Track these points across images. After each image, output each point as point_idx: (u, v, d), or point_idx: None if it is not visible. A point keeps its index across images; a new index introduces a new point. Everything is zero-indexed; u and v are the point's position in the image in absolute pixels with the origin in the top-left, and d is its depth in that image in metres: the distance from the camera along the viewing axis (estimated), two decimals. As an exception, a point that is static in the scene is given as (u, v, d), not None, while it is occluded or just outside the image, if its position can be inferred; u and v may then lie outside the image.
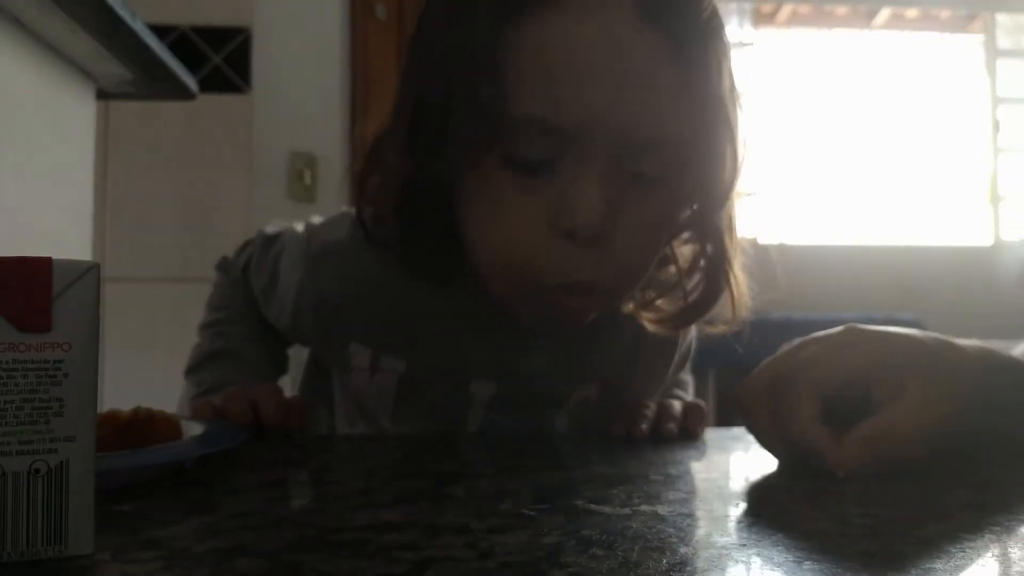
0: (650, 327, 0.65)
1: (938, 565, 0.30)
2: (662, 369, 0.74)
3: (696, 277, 0.64)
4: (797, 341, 0.52)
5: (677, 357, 0.76)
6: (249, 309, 0.78)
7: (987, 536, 0.34)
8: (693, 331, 0.76)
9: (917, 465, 0.45)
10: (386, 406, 0.68)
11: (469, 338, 0.66)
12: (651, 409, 0.65)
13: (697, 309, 0.64)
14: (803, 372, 0.47)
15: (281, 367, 0.81)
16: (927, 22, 3.29)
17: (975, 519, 0.36)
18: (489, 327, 0.65)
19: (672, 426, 0.63)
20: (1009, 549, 0.33)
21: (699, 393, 0.87)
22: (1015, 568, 0.31)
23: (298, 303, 0.69)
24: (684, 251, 0.65)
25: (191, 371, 0.76)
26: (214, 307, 0.80)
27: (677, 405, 0.66)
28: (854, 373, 0.47)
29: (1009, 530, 0.35)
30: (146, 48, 1.08)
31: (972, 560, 0.31)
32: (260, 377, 0.74)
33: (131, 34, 1.02)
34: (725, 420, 0.66)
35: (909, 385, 0.45)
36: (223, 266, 0.82)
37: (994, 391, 0.47)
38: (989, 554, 0.32)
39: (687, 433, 0.63)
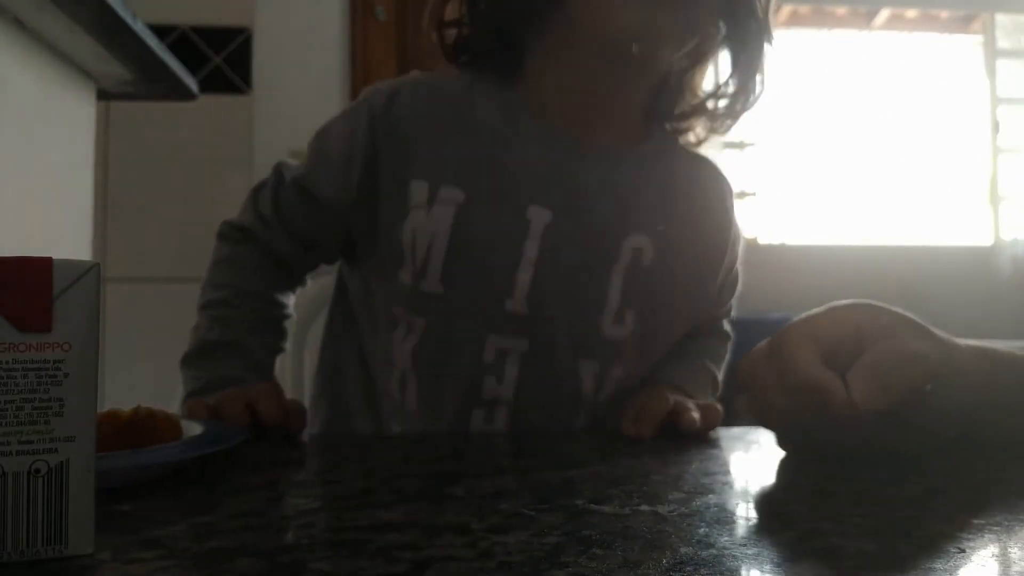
0: (701, 134, 0.78)
1: (938, 565, 0.30)
2: (713, 257, 0.77)
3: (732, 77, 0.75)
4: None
5: (723, 271, 0.78)
6: (254, 288, 0.75)
7: (987, 536, 0.34)
8: (740, 256, 0.81)
9: (922, 396, 0.45)
10: (440, 253, 0.67)
11: (526, 155, 0.69)
12: (665, 405, 0.65)
13: (739, 100, 0.76)
14: (796, 329, 0.48)
15: (278, 351, 0.78)
16: (927, 23, 3.29)
17: (975, 519, 0.36)
18: (546, 142, 0.70)
19: (693, 415, 0.63)
20: (1009, 549, 0.33)
21: None
22: (1015, 568, 0.31)
23: (353, 152, 0.70)
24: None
25: (188, 360, 0.73)
26: (214, 285, 0.75)
27: (691, 406, 0.65)
28: (845, 327, 0.47)
29: (1009, 530, 0.35)
30: (146, 48, 1.08)
31: (972, 560, 0.31)
32: (260, 371, 0.73)
33: (131, 34, 1.02)
34: (725, 420, 0.66)
35: (900, 333, 0.46)
36: (226, 233, 0.78)
37: (997, 389, 0.48)
38: (989, 554, 0.32)
39: (700, 434, 0.63)
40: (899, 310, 0.49)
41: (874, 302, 0.49)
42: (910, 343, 0.45)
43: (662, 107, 0.77)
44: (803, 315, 0.50)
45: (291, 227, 0.75)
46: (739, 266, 0.81)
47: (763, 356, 0.50)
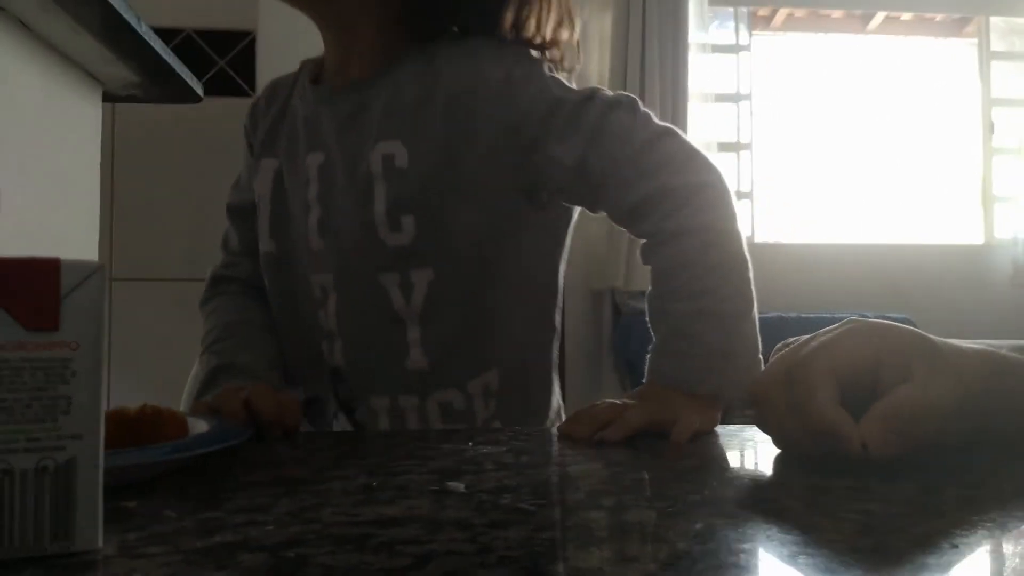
0: (508, 24, 0.77)
1: (932, 561, 0.30)
2: (494, 133, 0.73)
3: None
4: (795, 339, 0.52)
5: (527, 135, 0.73)
6: (234, 317, 0.83)
7: (980, 532, 0.34)
8: (569, 101, 0.73)
9: (933, 440, 0.45)
10: (266, 215, 0.81)
11: (305, 115, 0.80)
12: (600, 412, 0.62)
13: None
14: (816, 359, 0.48)
15: (276, 364, 0.81)
16: (922, 26, 3.29)
17: (969, 515, 0.37)
18: (320, 97, 0.79)
19: (609, 433, 0.59)
20: (1002, 545, 0.33)
21: None
22: (1008, 564, 0.32)
23: (245, 159, 0.89)
24: None
25: (197, 398, 0.76)
26: (206, 331, 0.83)
27: (636, 418, 0.61)
28: (865, 359, 0.47)
29: (1002, 526, 0.35)
30: (152, 51, 1.08)
31: (965, 556, 0.31)
32: (256, 379, 0.74)
33: (137, 37, 1.03)
34: (721, 417, 0.66)
35: (916, 368, 0.46)
36: (207, 287, 0.88)
37: (1003, 386, 0.48)
38: (982, 550, 0.32)
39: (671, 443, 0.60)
40: (911, 330, 0.49)
41: (889, 323, 0.49)
42: (926, 390, 0.46)
43: (423, 27, 0.79)
44: (823, 339, 0.49)
45: (241, 247, 0.87)
46: (583, 107, 0.74)
47: (779, 382, 0.50)
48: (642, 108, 0.75)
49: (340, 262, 0.77)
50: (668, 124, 0.74)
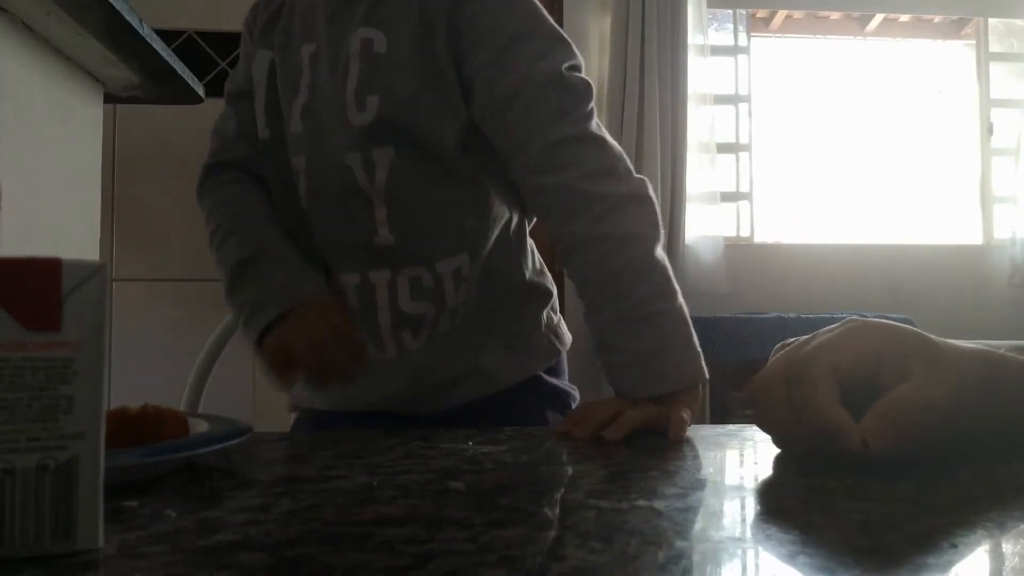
0: None
1: (931, 560, 0.31)
2: (432, 29, 0.76)
3: None
4: (795, 339, 0.52)
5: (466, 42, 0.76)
6: (242, 209, 0.86)
7: (979, 531, 0.34)
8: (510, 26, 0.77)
9: (933, 437, 0.46)
10: (261, 103, 0.84)
11: (303, 11, 0.83)
12: (602, 412, 0.64)
13: None
14: (816, 358, 0.48)
15: (298, 251, 0.84)
16: (920, 27, 3.30)
17: (968, 514, 0.37)
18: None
19: (609, 433, 0.61)
20: (1002, 544, 0.33)
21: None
22: (1007, 563, 0.32)
23: (244, 47, 0.91)
24: None
25: (227, 296, 0.82)
26: (210, 233, 0.86)
27: (634, 417, 0.63)
28: (865, 356, 0.48)
29: (1001, 525, 0.35)
30: (153, 53, 1.09)
31: (965, 555, 0.31)
32: (293, 270, 0.80)
33: (138, 39, 1.03)
34: (720, 417, 0.66)
35: (915, 365, 0.47)
36: (198, 190, 0.91)
37: (1001, 387, 0.48)
38: (982, 549, 0.33)
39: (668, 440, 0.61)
40: (911, 329, 0.49)
41: (889, 323, 0.49)
42: (925, 388, 0.46)
43: None
44: (822, 338, 0.50)
45: (239, 131, 0.88)
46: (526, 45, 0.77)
47: (779, 381, 0.50)
48: (593, 119, 0.77)
49: (313, 144, 0.80)
50: (604, 135, 0.76)
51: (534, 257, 0.90)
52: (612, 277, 0.71)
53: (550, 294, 0.90)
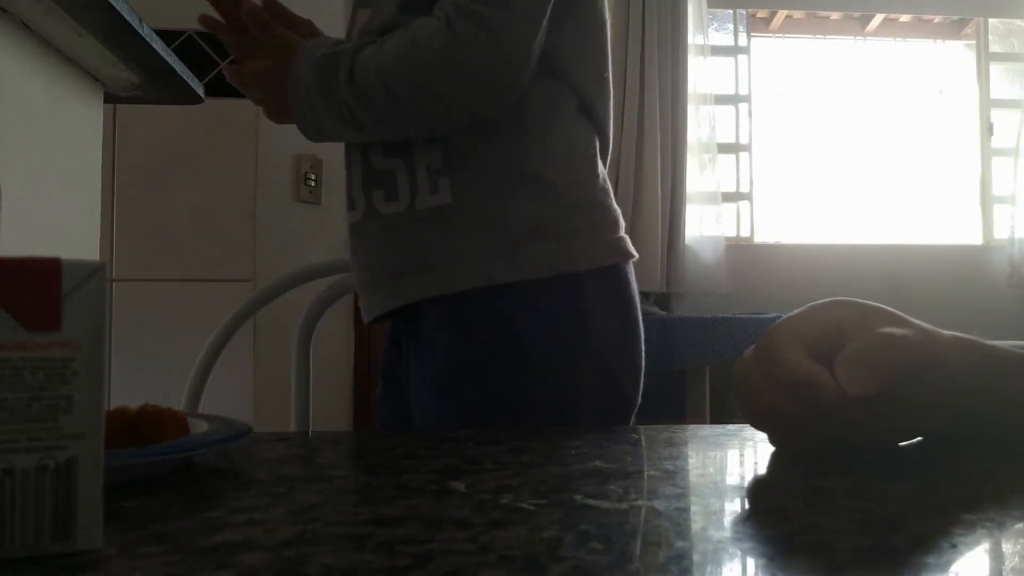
0: None
1: (931, 560, 0.31)
2: None
3: None
4: None
5: None
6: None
7: (979, 531, 0.34)
8: None
9: (922, 383, 0.45)
10: None
11: None
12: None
13: None
14: (779, 328, 0.49)
15: None
16: (920, 28, 3.30)
17: (968, 514, 0.37)
18: None
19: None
20: (1002, 544, 0.33)
21: (693, 391, 0.84)
22: (1008, 563, 0.32)
23: None
24: None
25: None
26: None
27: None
28: (828, 324, 0.48)
29: (1001, 525, 0.35)
30: (153, 53, 1.09)
31: (965, 555, 0.31)
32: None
33: (139, 39, 1.03)
34: (720, 417, 0.66)
35: (881, 322, 0.46)
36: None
37: (980, 375, 0.48)
38: (982, 549, 0.33)
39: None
40: (879, 304, 0.49)
41: (854, 299, 0.49)
42: (891, 332, 0.46)
43: None
44: (785, 316, 0.50)
45: None
46: None
47: (751, 359, 0.50)
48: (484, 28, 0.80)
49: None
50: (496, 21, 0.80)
51: (535, 147, 0.87)
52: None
53: (548, 193, 0.86)
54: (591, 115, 0.91)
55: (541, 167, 0.86)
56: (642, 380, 0.92)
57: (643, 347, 0.92)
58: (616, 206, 0.92)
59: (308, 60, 0.86)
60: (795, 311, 0.50)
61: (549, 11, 0.82)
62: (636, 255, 0.92)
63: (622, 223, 0.93)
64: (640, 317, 0.93)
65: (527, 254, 0.85)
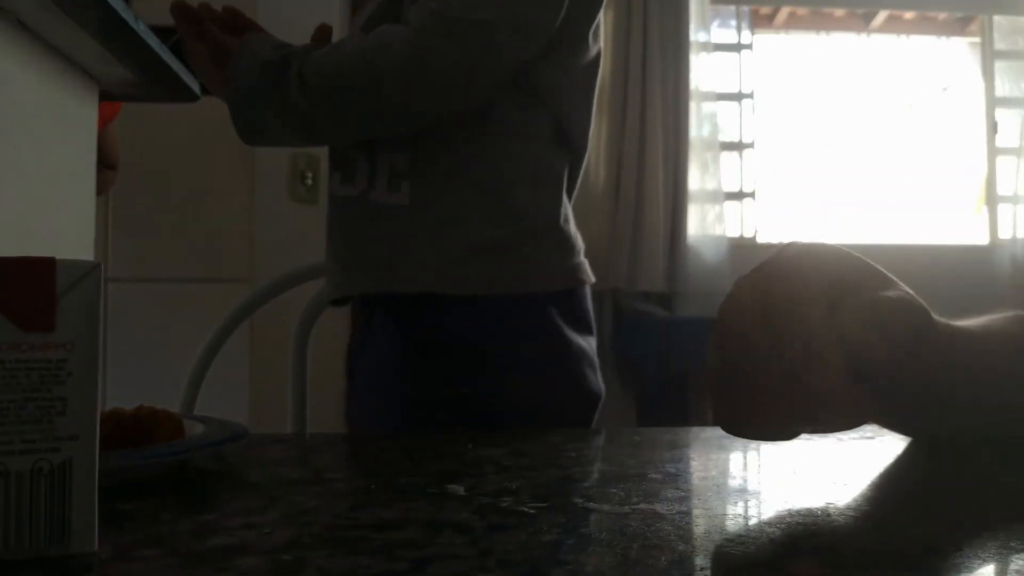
0: None
1: (936, 563, 0.30)
2: None
3: None
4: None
5: None
6: None
7: (985, 534, 0.34)
8: None
9: (915, 348, 0.41)
10: None
11: None
12: None
13: None
14: (796, 288, 0.43)
15: None
16: (924, 25, 3.30)
17: (972, 516, 0.36)
18: None
19: None
20: (1007, 547, 0.33)
21: (696, 393, 0.82)
22: (1014, 567, 0.31)
23: None
24: None
25: None
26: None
27: None
28: (828, 275, 0.43)
29: (1007, 528, 0.35)
30: (149, 50, 1.08)
31: (970, 558, 0.31)
32: None
33: (134, 36, 1.02)
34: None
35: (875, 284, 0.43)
36: None
37: (977, 354, 0.47)
38: (987, 552, 0.32)
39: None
40: (863, 258, 0.45)
41: (826, 243, 0.45)
42: (899, 293, 0.42)
43: None
44: (776, 265, 0.45)
45: None
46: None
47: (753, 311, 0.44)
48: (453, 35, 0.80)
49: None
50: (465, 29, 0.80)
51: (501, 167, 0.87)
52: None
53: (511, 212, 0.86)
54: (568, 139, 0.91)
55: (503, 187, 0.86)
56: (598, 405, 0.91)
57: (594, 373, 0.91)
58: (576, 231, 0.93)
59: (249, 61, 0.88)
60: (776, 261, 0.45)
61: (532, 31, 0.82)
62: (592, 280, 0.93)
63: (580, 247, 0.92)
64: (594, 344, 0.92)
65: (473, 270, 0.85)
